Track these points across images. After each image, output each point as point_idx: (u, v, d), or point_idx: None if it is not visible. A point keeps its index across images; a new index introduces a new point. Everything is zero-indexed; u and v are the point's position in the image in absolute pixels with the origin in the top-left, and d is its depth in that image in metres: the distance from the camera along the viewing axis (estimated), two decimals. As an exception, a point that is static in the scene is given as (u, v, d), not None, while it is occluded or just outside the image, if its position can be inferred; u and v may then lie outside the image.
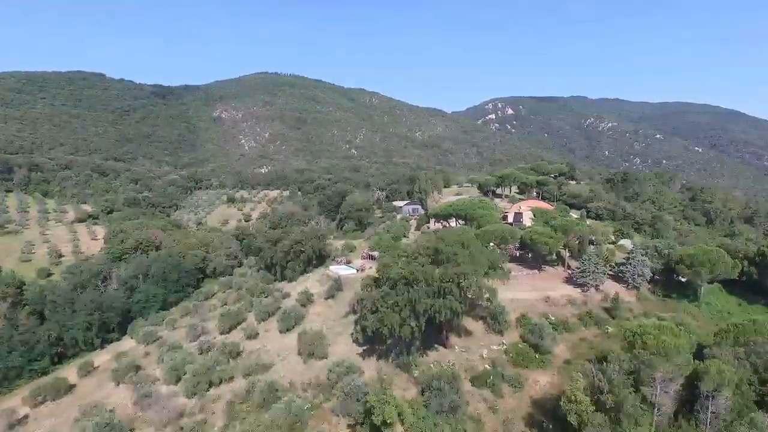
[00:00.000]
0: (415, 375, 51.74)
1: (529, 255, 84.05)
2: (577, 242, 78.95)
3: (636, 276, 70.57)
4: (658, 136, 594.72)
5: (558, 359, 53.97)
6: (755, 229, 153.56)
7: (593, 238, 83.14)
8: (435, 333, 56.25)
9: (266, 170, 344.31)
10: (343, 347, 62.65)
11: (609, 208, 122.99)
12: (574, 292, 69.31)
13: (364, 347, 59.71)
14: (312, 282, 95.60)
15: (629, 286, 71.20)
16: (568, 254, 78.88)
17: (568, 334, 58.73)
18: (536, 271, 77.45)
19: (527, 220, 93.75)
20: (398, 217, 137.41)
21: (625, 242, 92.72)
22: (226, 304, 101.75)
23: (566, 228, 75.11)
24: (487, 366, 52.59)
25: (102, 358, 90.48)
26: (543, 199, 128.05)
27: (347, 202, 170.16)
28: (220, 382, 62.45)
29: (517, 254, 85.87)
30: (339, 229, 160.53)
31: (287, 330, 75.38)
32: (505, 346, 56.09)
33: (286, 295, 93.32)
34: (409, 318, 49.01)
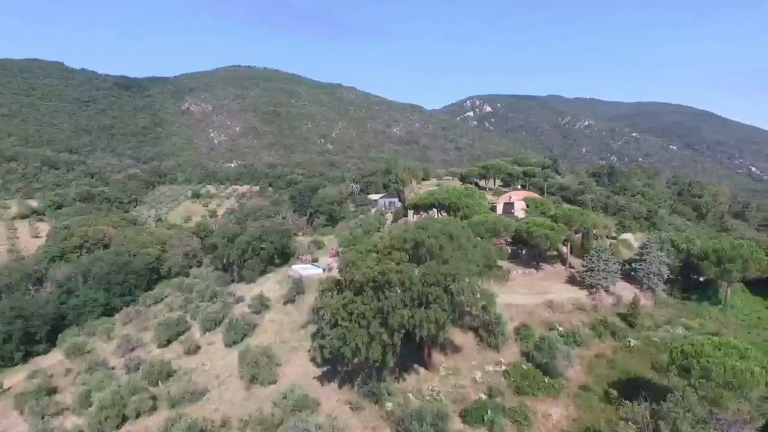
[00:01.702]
0: (388, 408, 38.82)
1: (523, 251, 72.25)
2: (580, 236, 67.49)
3: (651, 275, 59.28)
4: (634, 134, 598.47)
5: (572, 384, 41.80)
6: (747, 224, 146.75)
7: (595, 233, 71.91)
8: (414, 349, 43.58)
9: (236, 165, 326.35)
10: (298, 368, 49.31)
11: (602, 201, 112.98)
12: (581, 295, 57.54)
13: (324, 369, 46.57)
14: (271, 284, 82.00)
15: (643, 288, 59.86)
16: (568, 250, 67.27)
17: (581, 349, 46.66)
18: (533, 269, 65.57)
19: (519, 211, 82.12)
20: (373, 210, 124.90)
21: (627, 236, 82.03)
22: (173, 310, 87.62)
23: (569, 219, 63.36)
24: (482, 395, 40.03)
25: (18, 376, 74.77)
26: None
27: (318, 195, 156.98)
28: (138, 416, 48.34)
29: (509, 250, 74.00)
30: (309, 224, 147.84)
31: (234, 343, 61.67)
32: (504, 367, 43.63)
33: (240, 300, 79.48)
34: (380, 334, 36.08)
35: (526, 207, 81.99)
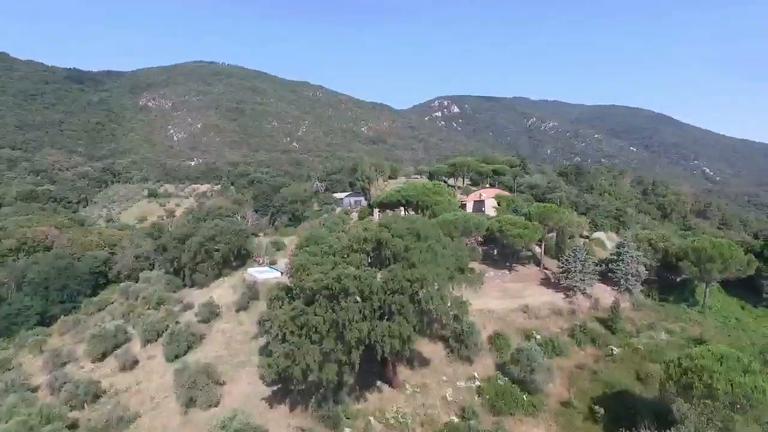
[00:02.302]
0: (346, 436, 33.38)
1: (495, 251, 68.07)
2: (554, 235, 63.80)
3: (629, 276, 55.98)
4: (596, 136, 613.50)
5: (552, 400, 37.37)
6: (709, 223, 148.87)
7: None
8: (377, 363, 38.20)
9: (197, 163, 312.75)
10: (245, 388, 43.03)
11: (572, 200, 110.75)
12: (557, 299, 53.57)
13: (274, 388, 40.55)
14: (224, 289, 75.25)
15: (621, 289, 56.50)
16: (542, 250, 63.44)
17: (560, 359, 42.41)
18: (506, 271, 61.36)
19: (490, 209, 78.10)
20: (338, 210, 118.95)
21: (600, 235, 79.24)
22: (114, 319, 79.51)
23: (544, 217, 59.42)
24: (453, 417, 35.05)
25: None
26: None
27: (281, 194, 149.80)
28: (52, 450, 40.99)
29: (480, 250, 69.68)
30: (271, 224, 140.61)
31: (176, 357, 54.80)
32: (477, 383, 38.81)
33: (189, 307, 72.35)
34: (335, 351, 30.50)
35: (497, 205, 78.12)
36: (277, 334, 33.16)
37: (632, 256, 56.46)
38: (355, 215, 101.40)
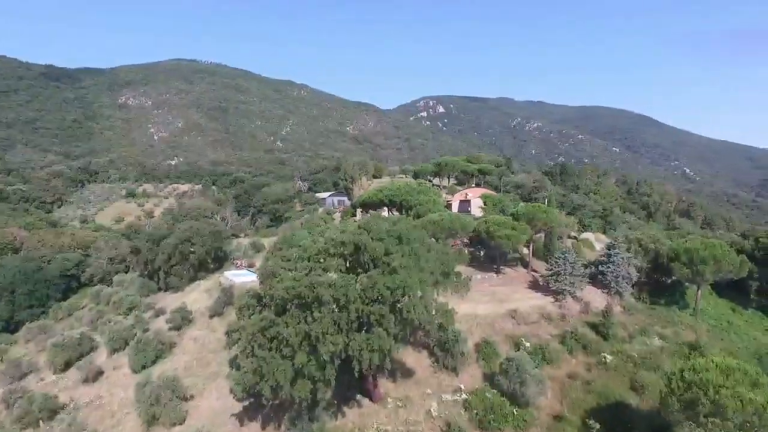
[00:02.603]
0: (322, 458, 30.48)
1: (482, 253, 65.70)
2: (542, 236, 61.69)
3: (620, 279, 54.04)
4: (580, 136, 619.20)
5: (544, 413, 34.95)
6: (693, 223, 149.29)
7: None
8: (355, 377, 35.33)
9: (177, 162, 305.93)
10: (214, 402, 39.84)
11: (558, 199, 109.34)
12: (546, 302, 51.31)
13: (246, 402, 37.46)
14: (199, 293, 71.67)
15: (611, 292, 54.54)
16: (530, 252, 61.21)
17: (551, 368, 40.07)
18: (492, 273, 58.99)
19: (476, 209, 75.81)
20: (320, 210, 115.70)
21: (588, 236, 77.52)
22: (83, 325, 75.19)
23: (532, 217, 57.18)
24: (439, 435, 32.43)
25: None
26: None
27: (262, 193, 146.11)
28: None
29: (466, 252, 67.27)
30: (252, 225, 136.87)
31: (143, 368, 51.31)
32: (464, 395, 36.19)
33: (161, 313, 68.68)
34: (308, 366, 27.55)
35: (483, 205, 75.88)
36: (245, 348, 30.05)
37: (623, 258, 54.56)
38: (338, 215, 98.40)
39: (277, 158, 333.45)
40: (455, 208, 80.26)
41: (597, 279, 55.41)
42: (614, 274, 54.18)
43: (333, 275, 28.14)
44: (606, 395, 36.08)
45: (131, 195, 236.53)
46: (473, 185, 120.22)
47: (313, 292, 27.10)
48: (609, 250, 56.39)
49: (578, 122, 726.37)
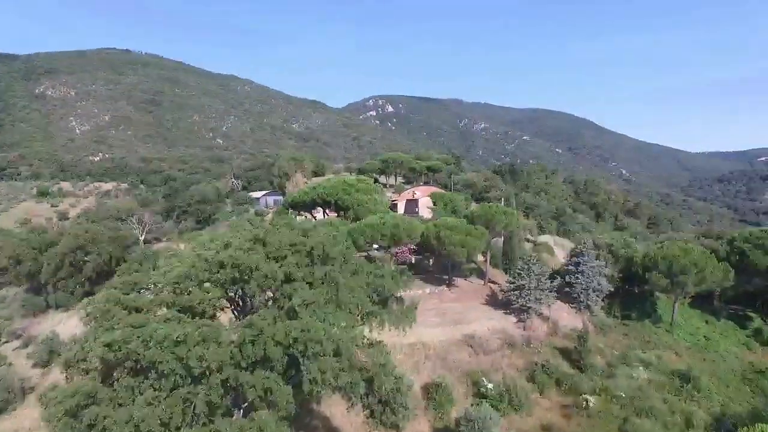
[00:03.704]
0: None
1: (431, 261, 56.32)
2: (501, 241, 53.07)
3: (590, 291, 46.18)
4: (525, 137, 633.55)
5: (515, 490, 25.56)
6: (639, 222, 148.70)
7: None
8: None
9: (101, 158, 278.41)
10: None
11: (510, 199, 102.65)
12: (508, 323, 42.38)
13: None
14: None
15: (580, 307, 46.60)
16: (487, 260, 52.33)
17: (520, 417, 30.86)
18: (444, 286, 49.55)
19: (424, 209, 66.47)
20: (252, 210, 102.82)
21: (546, 239, 70.15)
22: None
23: (489, 219, 48.19)
24: None
25: None
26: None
27: (188, 192, 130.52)
28: None
29: (413, 260, 57.65)
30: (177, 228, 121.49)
31: (-22, 426, 37.58)
32: (408, 472, 26.14)
33: (30, 341, 54.59)
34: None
35: (432, 205, 66.62)
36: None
37: (593, 267, 46.72)
38: (269, 217, 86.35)
39: (216, 155, 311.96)
40: (401, 208, 70.73)
41: (563, 291, 47.28)
42: (583, 286, 46.24)
43: (185, 325, 16.95)
44: (594, 459, 27.21)
45: (43, 194, 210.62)
46: (422, 184, 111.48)
47: (149, 351, 15.87)
48: (576, 257, 48.43)
49: (522, 124, 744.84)
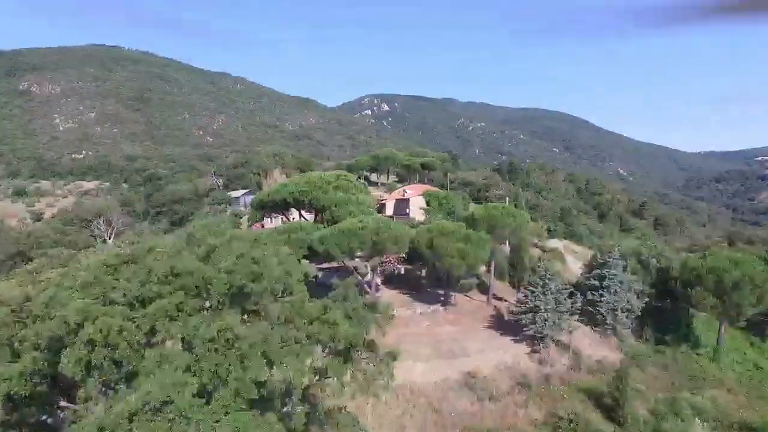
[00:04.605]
0: None
1: (422, 272, 47.44)
2: (507, 248, 44.33)
3: (618, 312, 37.44)
4: (521, 136, 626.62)
5: None
6: (646, 223, 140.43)
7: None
8: None
9: (84, 156, 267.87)
10: None
11: (511, 199, 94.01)
12: (519, 355, 33.64)
13: None
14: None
15: (606, 331, 37.87)
16: (492, 272, 43.45)
17: (544, 503, 22.02)
18: (438, 305, 40.68)
19: (416, 211, 57.57)
20: (228, 210, 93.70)
21: (556, 244, 61.49)
22: None
23: (495, 223, 39.34)
24: None
25: None
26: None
27: (164, 191, 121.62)
28: None
29: (402, 270, 48.78)
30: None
31: None
32: None
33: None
34: None
35: (426, 205, 57.74)
36: None
37: (621, 282, 37.95)
38: (246, 218, 77.29)
39: (206, 154, 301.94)
40: (390, 209, 61.91)
41: (584, 310, 38.46)
42: (611, 305, 37.47)
43: None
44: None
45: (19, 193, 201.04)
46: (416, 182, 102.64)
47: None
48: (600, 269, 39.62)
49: (519, 123, 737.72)
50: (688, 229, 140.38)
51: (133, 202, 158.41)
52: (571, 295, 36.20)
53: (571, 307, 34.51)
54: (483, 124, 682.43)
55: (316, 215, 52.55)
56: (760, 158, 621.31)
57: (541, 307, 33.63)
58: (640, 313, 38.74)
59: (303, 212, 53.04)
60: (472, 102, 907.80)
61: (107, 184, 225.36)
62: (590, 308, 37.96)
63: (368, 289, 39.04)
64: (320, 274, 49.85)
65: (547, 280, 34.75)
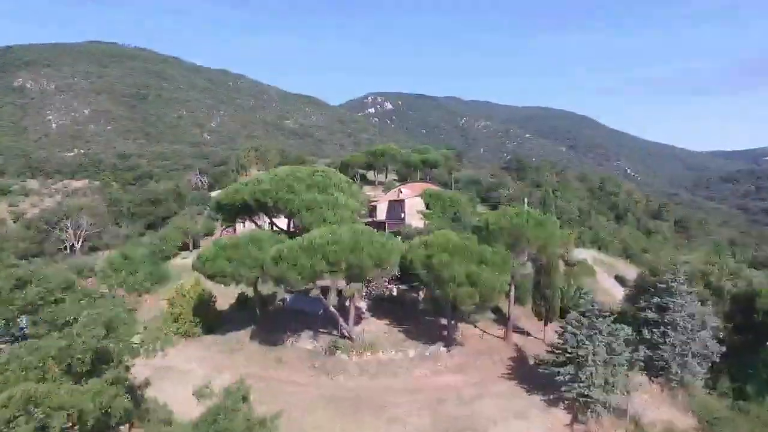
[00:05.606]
0: None
1: (419, 295, 37.07)
2: (530, 266, 33.88)
3: (689, 358, 26.95)
4: (527, 135, 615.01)
5: None
6: (667, 226, 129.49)
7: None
8: None
9: (76, 154, 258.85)
10: None
11: (546, 201, 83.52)
12: (556, 427, 23.25)
13: None
14: None
15: (669, 382, 27.40)
16: (511, 300, 32.97)
17: None
18: (440, 343, 30.30)
19: (413, 214, 47.18)
20: (205, 212, 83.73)
21: (583, 255, 50.95)
22: None
23: (517, 235, 28.89)
24: None
25: None
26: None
27: (143, 191, 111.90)
28: None
29: (394, 292, 38.39)
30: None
31: None
32: None
33: None
34: None
35: (425, 208, 47.34)
36: None
37: (693, 317, 27.40)
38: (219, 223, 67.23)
39: (202, 151, 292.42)
40: (382, 213, 51.57)
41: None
42: (678, 349, 26.95)
43: None
44: None
45: (4, 192, 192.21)
46: (418, 180, 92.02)
47: None
48: (659, 296, 29.01)
49: (523, 122, 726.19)
50: (712, 232, 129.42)
51: (122, 201, 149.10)
52: (630, 342, 25.59)
53: (632, 357, 24.03)
54: (487, 122, 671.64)
55: (289, 221, 42.26)
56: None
57: (588, 359, 23.20)
58: (718, 360, 28.23)
59: (274, 218, 42.72)
60: (475, 100, 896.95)
61: (97, 183, 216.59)
62: (648, 351, 27.45)
63: (343, 324, 28.70)
64: (288, 298, 39.67)
65: (593, 317, 24.29)
